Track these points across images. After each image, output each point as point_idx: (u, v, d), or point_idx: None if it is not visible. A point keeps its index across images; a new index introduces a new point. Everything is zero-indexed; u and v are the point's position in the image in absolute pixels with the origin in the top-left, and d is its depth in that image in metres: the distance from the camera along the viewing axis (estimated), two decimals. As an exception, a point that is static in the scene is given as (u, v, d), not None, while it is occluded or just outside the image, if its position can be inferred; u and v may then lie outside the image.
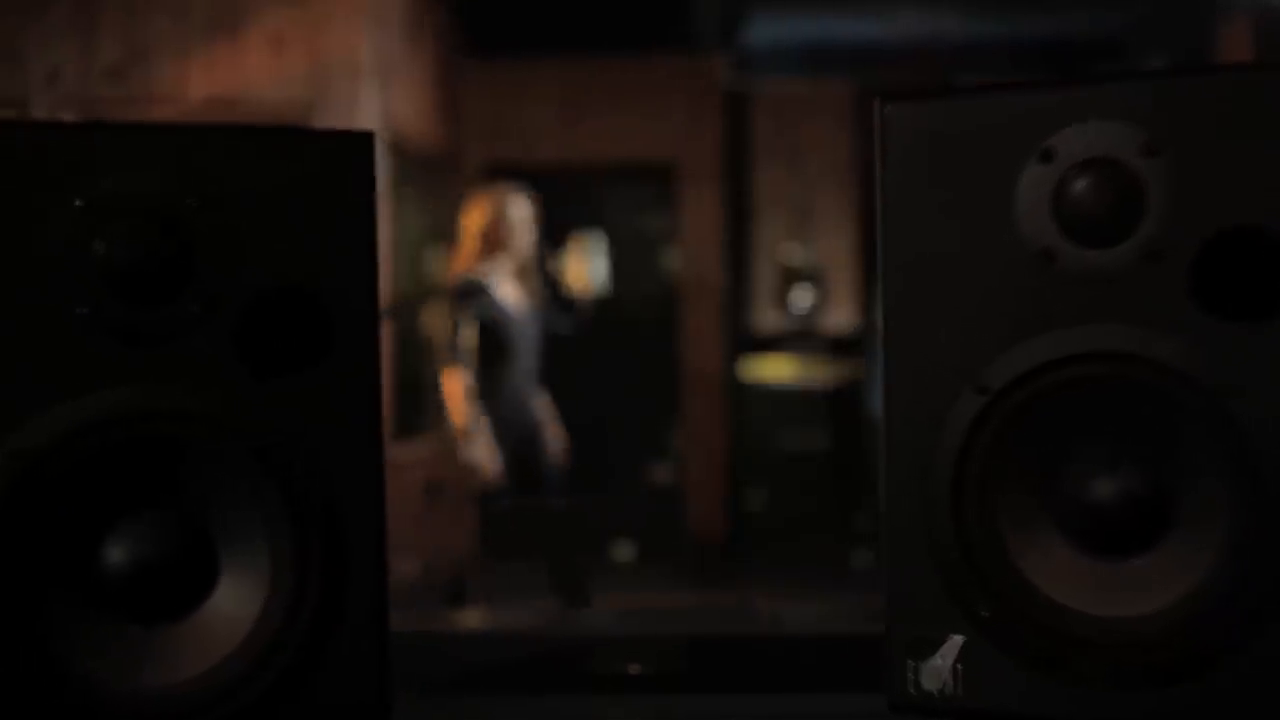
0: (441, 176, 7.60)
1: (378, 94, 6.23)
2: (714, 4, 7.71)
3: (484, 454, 4.61)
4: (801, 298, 8.27)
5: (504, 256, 4.61)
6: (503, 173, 7.85)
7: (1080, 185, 1.08)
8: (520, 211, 4.66)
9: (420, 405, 6.63)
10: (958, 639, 1.12)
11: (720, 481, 7.95)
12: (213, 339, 1.04)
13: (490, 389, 4.60)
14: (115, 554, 1.03)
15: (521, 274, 4.65)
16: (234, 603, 1.04)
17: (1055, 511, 1.11)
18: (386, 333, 6.33)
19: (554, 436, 4.82)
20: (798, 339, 8.07)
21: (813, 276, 8.32)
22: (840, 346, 8.10)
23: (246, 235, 1.04)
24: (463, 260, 4.69)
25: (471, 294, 4.60)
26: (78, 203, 1.01)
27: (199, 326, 1.03)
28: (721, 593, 6.79)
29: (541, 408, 4.75)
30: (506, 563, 6.74)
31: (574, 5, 7.62)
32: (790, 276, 8.32)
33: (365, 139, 1.04)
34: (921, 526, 1.15)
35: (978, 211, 1.12)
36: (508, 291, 4.59)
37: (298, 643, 1.03)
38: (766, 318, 8.49)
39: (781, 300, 8.32)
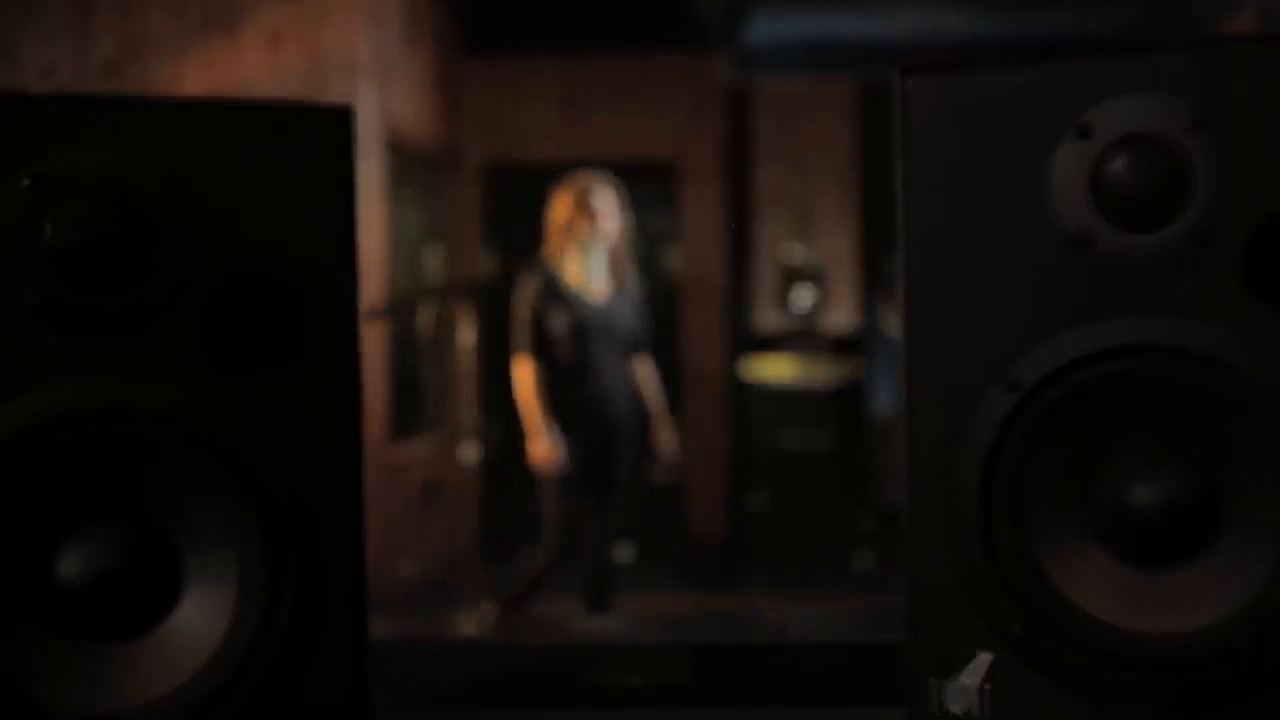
0: (441, 175, 7.56)
1: (376, 92, 6.19)
2: (715, 1, 7.66)
3: (543, 451, 4.52)
4: (802, 297, 8.22)
5: (587, 245, 4.47)
6: (502, 172, 7.81)
7: (1120, 163, 0.99)
8: (602, 200, 4.51)
9: (418, 405, 6.57)
10: (985, 656, 1.03)
11: (721, 482, 7.91)
12: (175, 330, 0.95)
13: (562, 382, 4.49)
14: (69, 567, 0.94)
15: (611, 262, 4.52)
16: (200, 617, 0.95)
17: (1092, 519, 1.02)
18: (384, 332, 6.27)
19: (658, 441, 4.62)
20: (799, 338, 8.03)
21: (814, 276, 8.28)
22: (841, 346, 8.06)
23: (212, 217, 0.95)
24: (549, 252, 4.57)
25: (546, 285, 4.51)
26: (25, 180, 0.92)
27: (159, 316, 0.94)
28: (722, 594, 6.74)
29: (626, 407, 4.57)
30: (507, 565, 6.69)
31: (574, 3, 7.57)
32: (791, 275, 8.28)
33: (343, 114, 0.95)
34: (946, 534, 1.05)
35: (1007, 193, 1.03)
36: (586, 282, 4.47)
37: (270, 659, 0.95)
38: (767, 317, 8.45)
39: (782, 299, 8.28)
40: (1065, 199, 1.02)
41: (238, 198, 0.96)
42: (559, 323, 4.49)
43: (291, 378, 0.97)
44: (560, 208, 4.53)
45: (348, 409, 0.98)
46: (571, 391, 4.49)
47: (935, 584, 1.05)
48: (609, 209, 4.49)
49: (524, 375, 4.55)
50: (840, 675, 1.61)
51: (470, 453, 4.38)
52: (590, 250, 4.45)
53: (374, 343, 6.20)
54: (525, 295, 4.55)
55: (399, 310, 5.48)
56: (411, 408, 6.54)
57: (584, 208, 4.48)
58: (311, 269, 0.97)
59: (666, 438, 4.63)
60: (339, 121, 0.96)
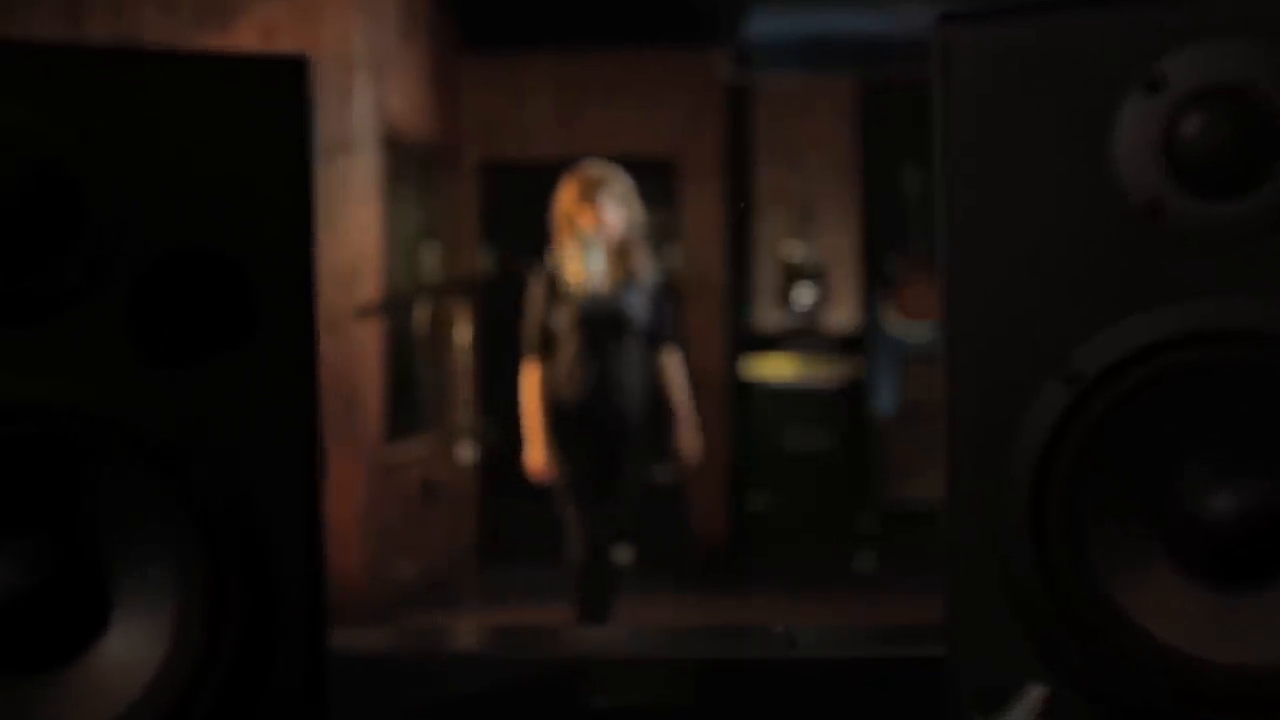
0: (437, 172, 7.49)
1: (371, 88, 6.11)
2: (715, -4, 7.59)
3: (535, 463, 4.40)
4: (803, 295, 8.16)
5: (590, 238, 4.33)
6: (499, 169, 7.73)
7: (1196, 120, 0.85)
8: (606, 190, 4.35)
9: (416, 405, 6.49)
10: (1038, 689, 0.89)
11: (721, 482, 7.84)
12: (100, 314, 0.81)
13: (564, 380, 4.36)
14: (-21, 588, 0.80)
15: (620, 253, 4.36)
16: (132, 644, 0.82)
17: (1162, 532, 0.88)
18: (380, 330, 6.18)
19: (680, 441, 4.49)
20: (799, 337, 7.96)
21: (814, 274, 8.22)
22: (842, 345, 8.00)
23: (144, 182, 0.81)
24: (554, 246, 4.43)
25: (550, 281, 4.38)
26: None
27: (83, 299, 0.80)
28: (723, 596, 6.65)
29: (636, 404, 4.42)
30: (505, 565, 6.61)
31: (571, -2, 7.51)
32: (792, 274, 8.21)
33: (297, 66, 0.81)
34: (992, 549, 0.92)
35: (1064, 157, 0.89)
36: (589, 274, 4.31)
37: (214, 691, 0.81)
38: (768, 316, 8.39)
39: (783, 298, 8.22)
40: (1132, 162, 0.88)
41: (174, 160, 0.82)
42: (561, 319, 4.36)
43: (238, 370, 0.83)
44: (563, 199, 4.40)
45: (303, 406, 0.84)
46: (574, 389, 4.36)
47: (979, 606, 0.92)
48: (613, 199, 4.34)
49: (528, 381, 4.43)
50: (856, 693, 1.50)
51: (468, 453, 4.26)
52: (593, 242, 4.31)
53: (371, 341, 6.11)
54: (532, 295, 4.43)
55: (395, 308, 5.39)
56: (409, 407, 6.46)
57: (586, 199, 4.34)
58: (261, 243, 0.83)
59: (688, 438, 4.48)
60: (293, 74, 0.81)
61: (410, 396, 6.42)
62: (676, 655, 1.47)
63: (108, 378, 0.81)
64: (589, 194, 4.34)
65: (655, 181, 7.72)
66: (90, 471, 0.81)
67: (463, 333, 4.26)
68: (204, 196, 0.83)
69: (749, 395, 7.96)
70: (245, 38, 6.00)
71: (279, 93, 0.82)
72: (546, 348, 4.41)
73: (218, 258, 0.83)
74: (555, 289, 4.37)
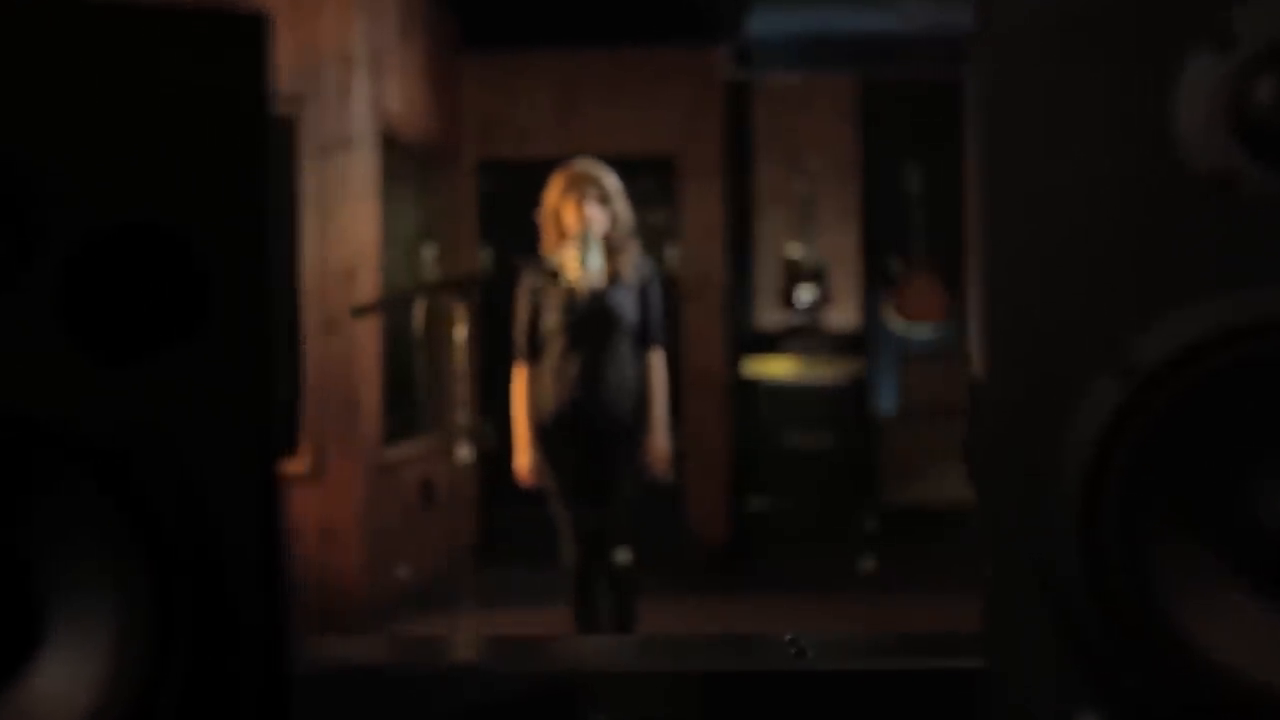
0: (436, 170, 7.43)
1: (369, 86, 6.05)
2: (715, -7, 7.54)
3: (522, 462, 4.32)
4: (803, 295, 8.11)
5: (578, 234, 4.22)
6: (498, 167, 7.68)
7: (1271, 81, 0.76)
8: (593, 187, 4.27)
9: (414, 405, 6.42)
10: (1090, 718, 0.78)
11: (721, 482, 7.79)
12: (28, 301, 0.70)
13: (552, 379, 4.27)
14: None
15: (608, 251, 4.25)
16: (67, 668, 0.72)
17: (1230, 544, 0.78)
18: (379, 330, 6.11)
19: (650, 445, 4.34)
20: (800, 337, 7.90)
21: (815, 273, 8.17)
22: (843, 344, 7.94)
23: (83, 149, 0.70)
24: (544, 244, 4.34)
25: (538, 279, 4.30)
26: None
27: (7, 281, 0.69)
28: (723, 597, 6.59)
29: (626, 403, 4.30)
30: (504, 566, 6.55)
31: (571, -5, 7.46)
32: (792, 273, 8.16)
33: (254, 23, 0.71)
34: (1036, 560, 0.80)
35: (1120, 124, 0.78)
36: (577, 272, 4.22)
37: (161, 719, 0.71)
38: (768, 315, 8.34)
39: (784, 297, 8.16)
40: (1197, 130, 0.78)
41: (115, 125, 0.72)
42: (548, 317, 4.27)
43: (186, 360, 0.72)
44: (550, 195, 4.32)
45: (259, 400, 0.74)
46: (563, 390, 4.27)
47: (1021, 624, 0.80)
48: (599, 196, 4.25)
49: (516, 384, 4.35)
50: (870, 709, 1.42)
51: (466, 454, 4.18)
52: (581, 239, 4.22)
53: (369, 341, 6.04)
54: (519, 296, 4.35)
55: (393, 307, 5.31)
56: (407, 408, 6.40)
57: (571, 195, 4.26)
58: (212, 219, 0.73)
59: (658, 443, 4.37)
60: (251, 31, 0.71)
61: (408, 397, 6.36)
62: (680, 668, 1.38)
63: (36, 370, 0.70)
64: (575, 190, 4.25)
65: (655, 180, 7.67)
66: (17, 475, 0.71)
67: (461, 332, 4.17)
68: (149, 166, 0.73)
69: (749, 395, 7.91)
70: (240, 34, 5.95)
71: (235, 52, 0.72)
72: (535, 348, 4.33)
73: (164, 234, 0.73)
74: (543, 285, 4.29)
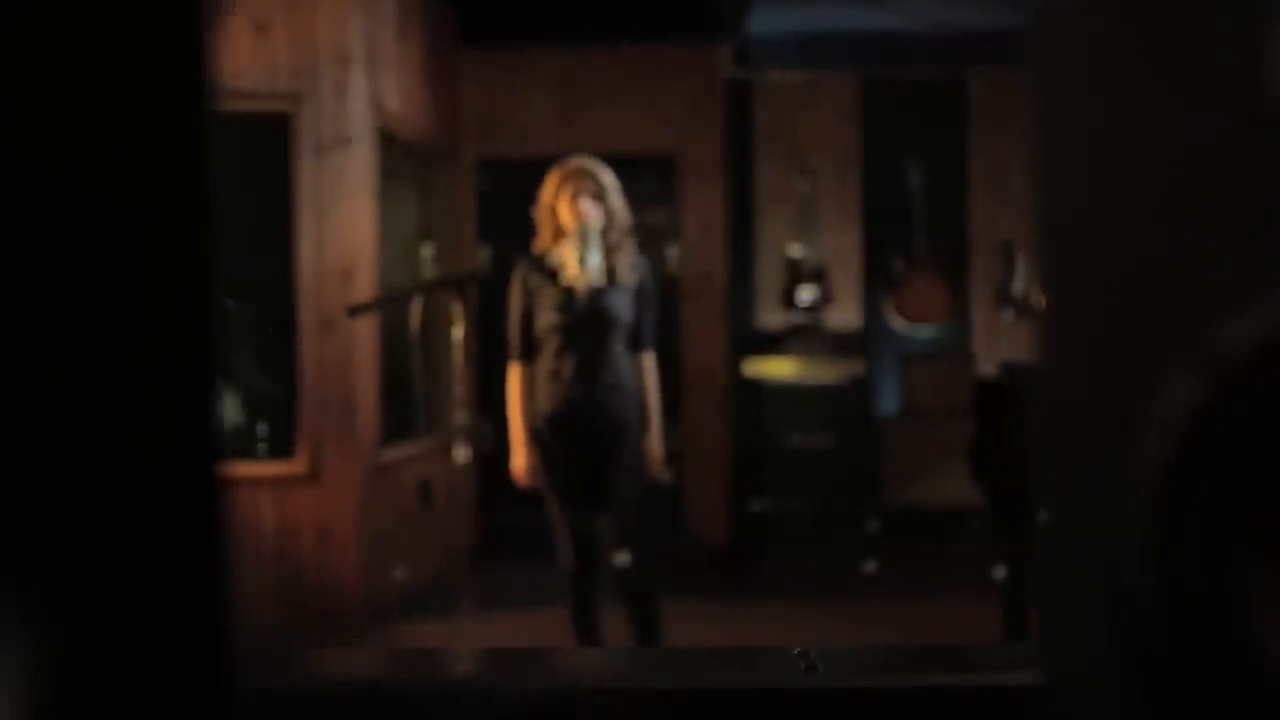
0: (434, 168, 7.39)
1: (367, 82, 6.01)
2: (717, -10, 7.50)
3: (518, 463, 4.28)
4: (805, 294, 8.07)
5: (576, 232, 4.18)
6: (497, 166, 7.63)
7: None
8: (589, 184, 4.22)
9: (412, 406, 6.38)
10: None
11: (721, 482, 7.75)
12: None
13: (548, 380, 4.24)
14: None
15: (605, 250, 4.21)
16: None
17: None
18: (376, 329, 6.06)
19: (639, 449, 4.29)
20: (801, 336, 7.86)
21: (816, 273, 8.13)
22: (845, 344, 7.90)
23: None
24: (540, 242, 4.30)
25: (531, 278, 4.26)
26: None
27: None
28: (723, 599, 6.55)
29: (623, 405, 4.25)
30: (502, 568, 6.52)
31: (570, -7, 7.42)
32: (794, 272, 8.12)
33: None
34: (1104, 574, 0.70)
35: (1201, 75, 0.66)
36: (572, 271, 4.18)
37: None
38: (769, 315, 8.31)
39: (784, 297, 8.13)
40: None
41: (32, 73, 0.62)
42: (543, 316, 4.23)
43: (114, 358, 0.62)
44: (545, 192, 4.28)
45: (200, 398, 0.64)
46: (559, 390, 4.22)
47: (1085, 655, 0.71)
48: (594, 193, 4.21)
49: (511, 383, 4.31)
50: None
51: (463, 455, 4.13)
52: (580, 235, 4.18)
53: (366, 341, 6.00)
54: (513, 294, 4.31)
55: (390, 305, 5.27)
56: (404, 408, 6.35)
57: (566, 192, 4.22)
58: (144, 192, 0.62)
59: (653, 444, 4.33)
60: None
61: (406, 397, 6.32)
62: (685, 684, 1.34)
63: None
64: (570, 186, 4.21)
65: (655, 179, 7.62)
66: None
67: (459, 332, 4.13)
68: (66, 127, 0.62)
69: (750, 395, 7.87)
70: (237, 30, 5.90)
71: (175, 10, 0.63)
72: (529, 347, 4.29)
73: (88, 206, 0.61)
74: (537, 284, 4.25)
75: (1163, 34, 0.68)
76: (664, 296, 7.51)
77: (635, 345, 4.30)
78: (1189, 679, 0.67)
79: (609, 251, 4.22)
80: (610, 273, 4.22)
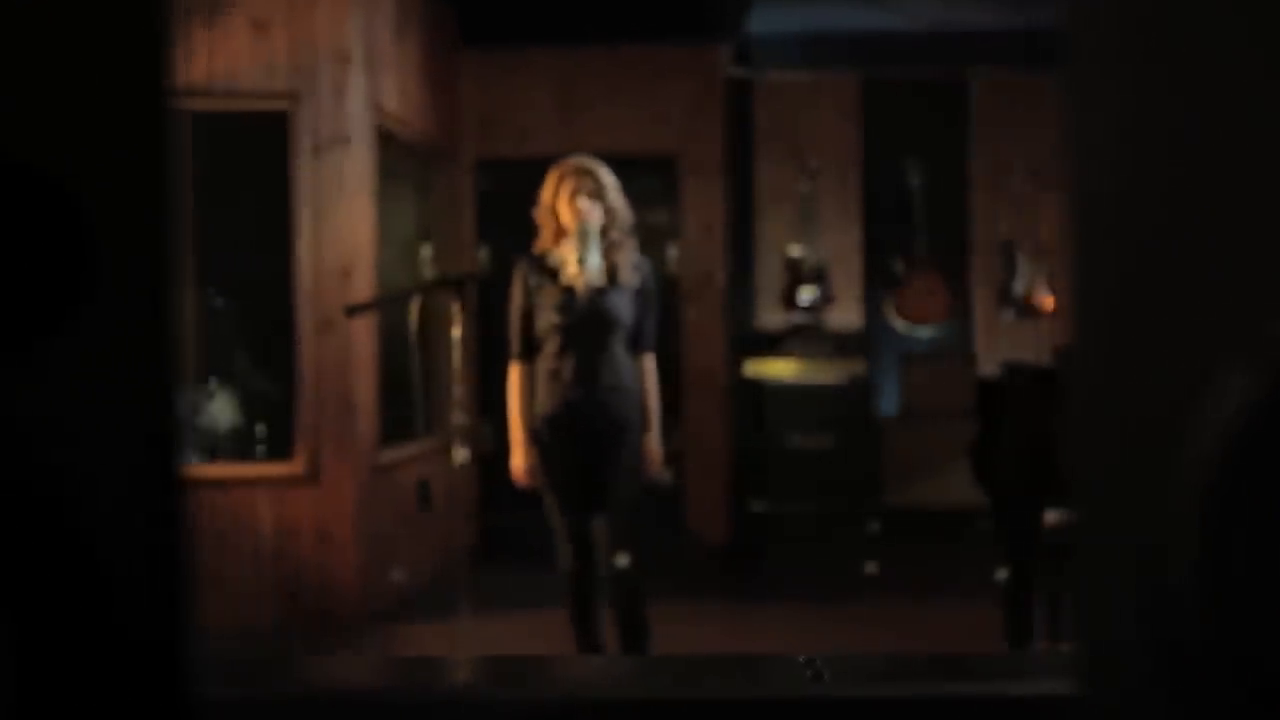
0: (434, 168, 7.37)
1: (365, 82, 5.98)
2: (718, -10, 7.47)
3: (518, 463, 4.25)
4: (805, 294, 8.05)
5: (576, 231, 4.15)
6: (497, 166, 7.60)
7: None
8: (589, 184, 4.19)
9: (410, 406, 6.35)
10: None
11: (721, 483, 7.72)
12: None
13: (548, 381, 4.22)
14: None
15: (605, 250, 4.17)
16: None
17: None
18: (374, 330, 6.04)
19: (639, 451, 4.25)
20: (801, 336, 7.84)
21: (817, 273, 8.10)
22: (845, 344, 7.88)
23: None
24: (541, 242, 4.28)
25: (532, 278, 4.23)
26: None
27: None
28: (723, 601, 6.52)
29: (623, 407, 4.22)
30: (502, 570, 6.49)
31: (570, -8, 7.40)
32: (794, 272, 8.09)
33: None
34: (1143, 578, 0.66)
35: (1247, 62, 0.60)
36: (573, 271, 4.14)
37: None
38: (769, 315, 8.28)
39: (785, 297, 8.10)
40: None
41: None
42: (543, 316, 4.20)
43: (65, 350, 0.58)
44: (545, 192, 4.25)
45: (155, 401, 0.60)
46: (559, 390, 4.20)
47: (1122, 650, 0.66)
48: (591, 190, 4.18)
49: (511, 383, 4.28)
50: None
51: (462, 455, 4.10)
52: (579, 234, 4.15)
53: (365, 341, 5.98)
54: (513, 293, 4.28)
55: (387, 306, 5.25)
56: (403, 409, 6.33)
57: (566, 191, 4.19)
58: (99, 176, 0.58)
59: (652, 445, 4.30)
60: None
61: (404, 398, 6.29)
62: (689, 694, 1.31)
63: None
64: (568, 184, 4.19)
65: (655, 179, 7.60)
66: None
67: (457, 332, 4.10)
68: (18, 95, 0.58)
69: (750, 395, 7.84)
70: (237, 30, 5.88)
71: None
72: (529, 347, 4.26)
73: (37, 183, 0.57)
74: (538, 285, 4.22)
75: (1206, 19, 0.64)
76: (664, 296, 7.50)
77: (636, 346, 4.27)
78: (1233, 679, 0.63)
79: (609, 251, 4.19)
80: (611, 273, 4.19)
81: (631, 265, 4.25)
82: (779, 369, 7.83)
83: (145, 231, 0.58)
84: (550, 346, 4.19)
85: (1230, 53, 0.63)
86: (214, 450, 6.14)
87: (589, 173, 4.21)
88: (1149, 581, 0.65)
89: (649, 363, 4.31)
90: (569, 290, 4.15)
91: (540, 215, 4.27)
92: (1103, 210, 0.65)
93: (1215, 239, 0.63)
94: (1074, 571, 0.69)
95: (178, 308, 0.59)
